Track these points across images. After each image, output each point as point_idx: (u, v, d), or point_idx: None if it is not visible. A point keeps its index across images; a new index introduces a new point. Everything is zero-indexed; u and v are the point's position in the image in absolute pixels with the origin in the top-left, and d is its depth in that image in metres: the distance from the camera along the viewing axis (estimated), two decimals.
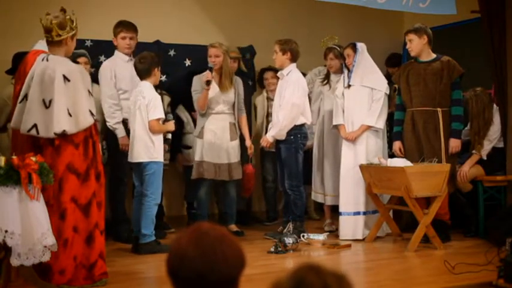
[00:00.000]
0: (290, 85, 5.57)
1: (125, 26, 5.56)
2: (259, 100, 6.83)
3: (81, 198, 3.96)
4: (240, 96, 5.92)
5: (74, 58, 5.48)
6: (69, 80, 3.94)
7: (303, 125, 5.65)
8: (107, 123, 5.48)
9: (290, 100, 5.53)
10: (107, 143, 5.67)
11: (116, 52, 5.62)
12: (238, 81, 5.95)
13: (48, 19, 3.99)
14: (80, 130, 3.95)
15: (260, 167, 6.89)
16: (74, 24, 4.05)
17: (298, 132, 5.61)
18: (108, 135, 5.63)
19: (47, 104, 3.92)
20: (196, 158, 5.83)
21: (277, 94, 5.76)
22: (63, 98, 3.91)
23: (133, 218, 5.22)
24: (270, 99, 6.57)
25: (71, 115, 3.91)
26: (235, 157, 5.83)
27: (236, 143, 5.85)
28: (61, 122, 3.88)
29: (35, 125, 3.91)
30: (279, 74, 5.80)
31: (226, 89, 5.78)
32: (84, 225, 3.97)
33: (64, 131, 3.88)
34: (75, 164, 3.94)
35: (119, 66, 5.52)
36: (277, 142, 5.70)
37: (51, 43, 4.06)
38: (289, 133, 5.57)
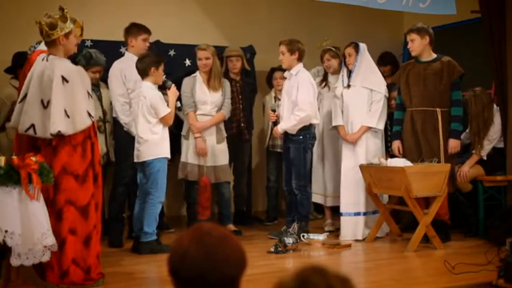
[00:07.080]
0: (302, 85, 5.53)
1: (146, 29, 5.56)
2: (267, 100, 6.83)
3: (79, 200, 3.94)
4: (227, 97, 5.90)
5: (88, 66, 5.48)
6: (67, 81, 3.93)
7: (311, 125, 5.63)
8: (121, 121, 5.46)
9: (306, 99, 5.51)
10: (115, 142, 5.67)
11: (127, 53, 5.60)
12: (226, 83, 5.96)
13: (40, 20, 3.97)
14: (77, 131, 3.93)
15: (265, 167, 6.91)
16: (68, 22, 3.98)
17: (307, 132, 5.59)
18: (116, 135, 5.63)
19: (45, 105, 3.91)
20: (182, 158, 5.84)
21: (284, 94, 5.73)
22: (61, 99, 3.90)
23: (134, 218, 5.21)
24: (278, 99, 6.54)
25: (68, 116, 3.89)
26: (221, 160, 5.82)
27: (223, 145, 5.84)
28: (56, 123, 3.86)
29: (33, 125, 3.91)
30: (286, 74, 5.75)
31: (216, 89, 5.80)
32: (83, 228, 3.95)
33: (59, 131, 3.86)
34: (72, 165, 3.92)
35: (129, 67, 5.50)
36: (286, 142, 5.70)
37: (46, 43, 4.06)
38: (298, 133, 5.57)
